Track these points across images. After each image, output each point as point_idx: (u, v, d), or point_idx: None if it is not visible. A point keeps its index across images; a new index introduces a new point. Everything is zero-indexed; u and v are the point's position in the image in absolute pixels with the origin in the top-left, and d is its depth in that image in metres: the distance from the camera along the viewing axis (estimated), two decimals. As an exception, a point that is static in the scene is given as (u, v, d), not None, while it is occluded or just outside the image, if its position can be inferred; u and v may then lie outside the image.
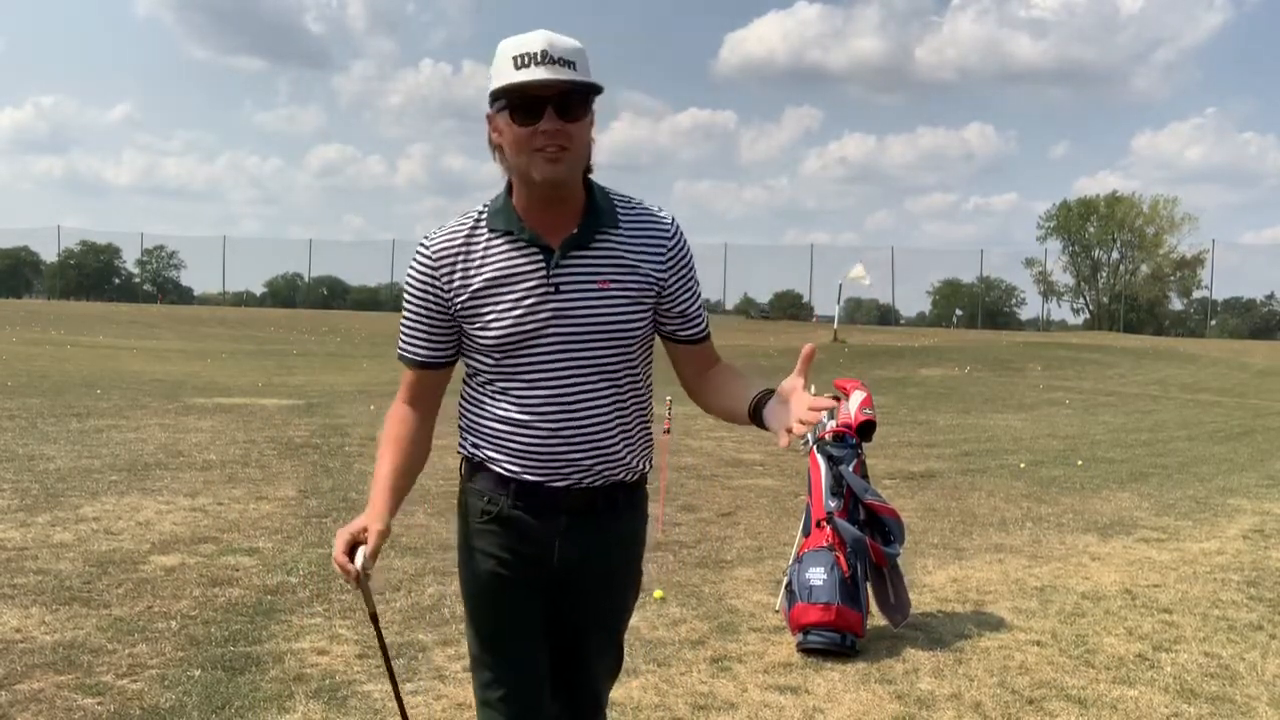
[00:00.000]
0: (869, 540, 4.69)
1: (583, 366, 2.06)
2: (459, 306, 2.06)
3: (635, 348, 2.12)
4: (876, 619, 4.81)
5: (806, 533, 4.93)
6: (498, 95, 1.97)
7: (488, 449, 2.12)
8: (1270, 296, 60.24)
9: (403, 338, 2.15)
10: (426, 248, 2.09)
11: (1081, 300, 64.37)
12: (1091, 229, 63.63)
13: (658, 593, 5.25)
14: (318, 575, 5.36)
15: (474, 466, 2.17)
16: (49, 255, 68.36)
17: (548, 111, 1.92)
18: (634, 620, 4.82)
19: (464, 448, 2.20)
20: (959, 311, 64.70)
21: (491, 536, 2.14)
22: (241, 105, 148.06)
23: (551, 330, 2.03)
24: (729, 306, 60.68)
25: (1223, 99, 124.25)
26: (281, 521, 6.56)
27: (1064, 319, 63.47)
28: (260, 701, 3.73)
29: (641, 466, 2.20)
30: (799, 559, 4.78)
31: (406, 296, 2.12)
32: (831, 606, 4.44)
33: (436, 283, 2.07)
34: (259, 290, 70.34)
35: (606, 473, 2.11)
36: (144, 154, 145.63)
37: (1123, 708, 4.00)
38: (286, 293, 68.01)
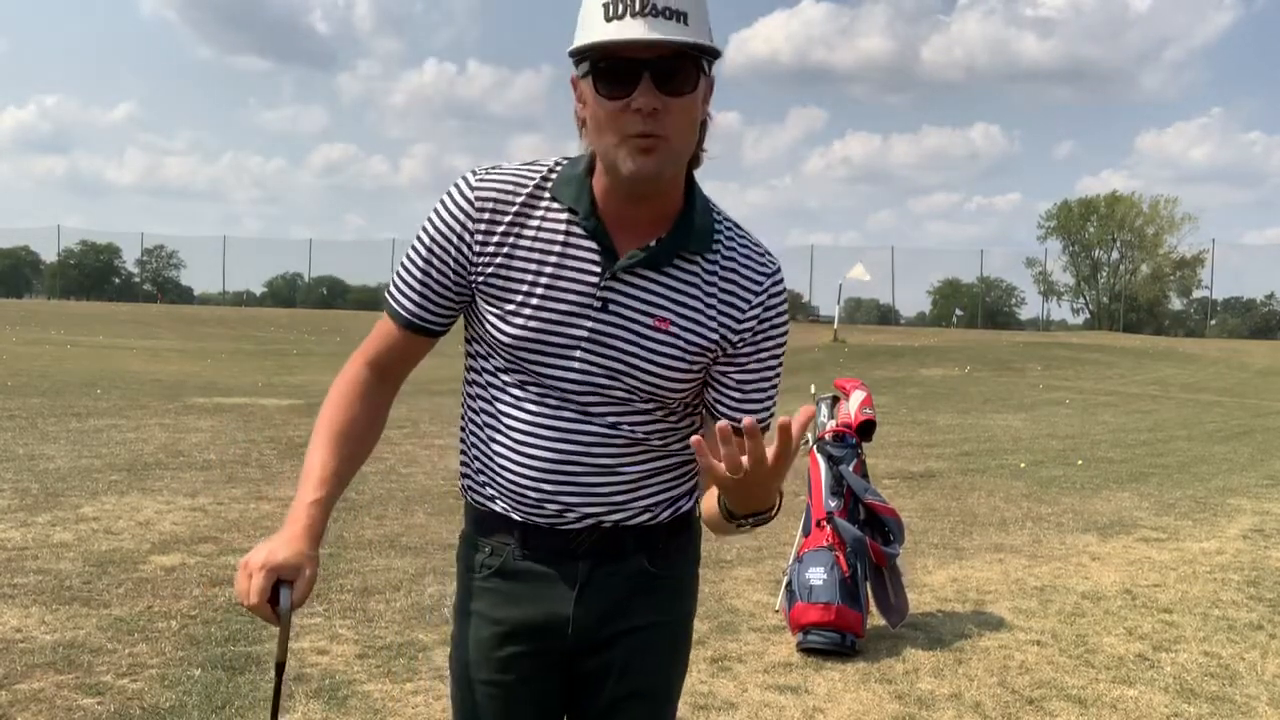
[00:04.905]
0: (869, 540, 4.69)
1: (608, 405, 1.63)
2: (482, 278, 1.62)
3: (679, 401, 1.67)
4: (876, 619, 4.81)
5: (806, 532, 4.93)
6: (580, 55, 1.51)
7: (487, 474, 1.71)
8: (1270, 296, 60.19)
9: (398, 283, 1.67)
10: (472, 188, 1.61)
11: (1081, 300, 64.39)
12: (1091, 229, 63.62)
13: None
14: (318, 575, 5.36)
15: (475, 510, 1.75)
16: (49, 255, 68.38)
17: (644, 80, 1.46)
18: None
19: (466, 481, 1.76)
20: (959, 311, 64.67)
21: (494, 596, 1.71)
22: (245, 105, 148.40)
23: (581, 353, 1.60)
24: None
25: (1229, 98, 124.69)
26: (281, 521, 6.55)
27: (1064, 319, 63.48)
28: (260, 701, 3.73)
29: (683, 505, 1.74)
30: (799, 559, 4.78)
31: (424, 236, 1.64)
32: (831, 606, 4.44)
33: (468, 235, 1.61)
34: (259, 290, 70.41)
35: (625, 519, 1.69)
36: (146, 153, 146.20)
37: (1123, 708, 4.00)
38: (286, 292, 67.98)
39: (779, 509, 1.59)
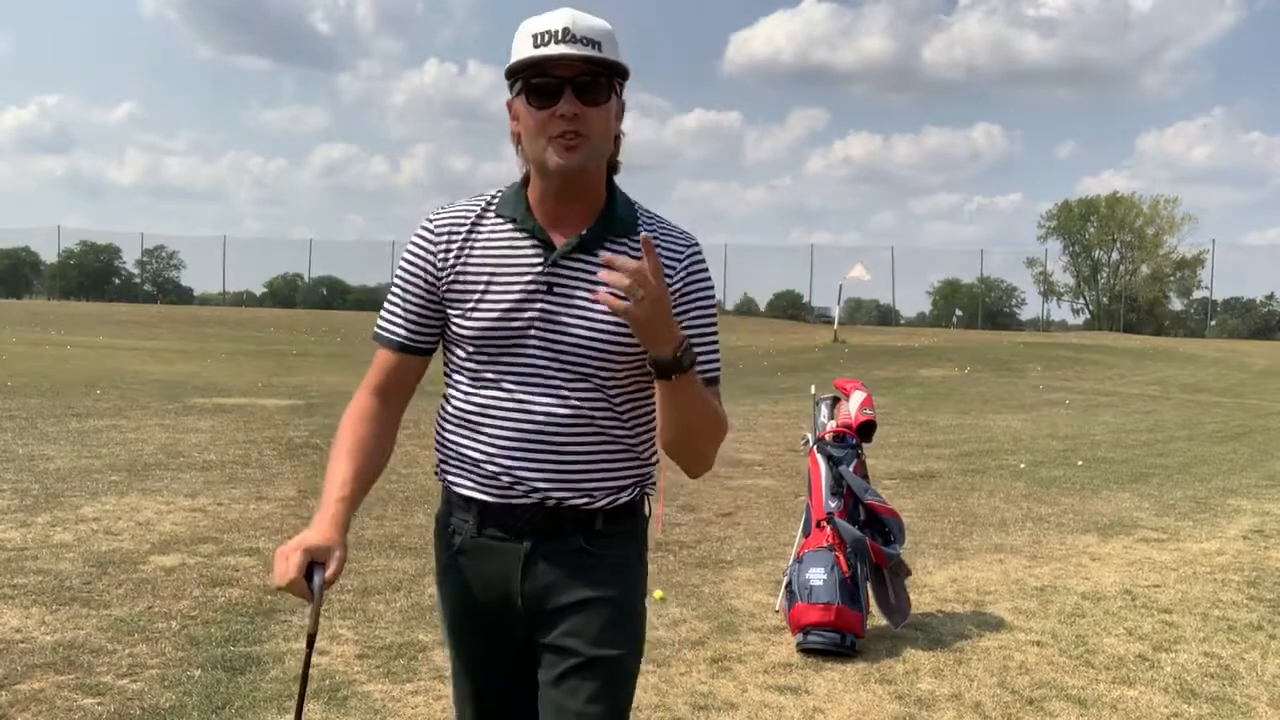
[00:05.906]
0: (869, 540, 4.69)
1: (560, 380, 1.87)
2: (446, 288, 1.92)
3: (624, 373, 1.90)
4: (876, 619, 4.82)
5: (806, 533, 4.94)
6: (514, 73, 1.84)
7: (451, 460, 1.97)
8: (1270, 297, 60.11)
9: (384, 314, 1.99)
10: (430, 222, 1.97)
11: (1081, 300, 64.37)
12: (1092, 229, 63.59)
13: (658, 593, 5.25)
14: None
15: (446, 492, 2.02)
16: (49, 255, 68.32)
17: (566, 93, 1.79)
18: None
19: (440, 465, 2.03)
20: (959, 312, 64.60)
21: (457, 575, 1.99)
22: (246, 105, 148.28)
23: (534, 332, 1.87)
24: (729, 307, 60.73)
25: (1230, 99, 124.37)
26: (281, 522, 6.56)
27: (1064, 319, 63.41)
28: (260, 701, 3.73)
29: (621, 497, 1.95)
30: (799, 559, 4.79)
31: (399, 270, 1.98)
32: (831, 607, 4.45)
33: (432, 259, 1.93)
34: (259, 291, 70.34)
35: (567, 499, 1.90)
36: (147, 153, 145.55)
37: (1123, 708, 4.00)
38: (286, 293, 67.93)
39: (684, 351, 1.77)
